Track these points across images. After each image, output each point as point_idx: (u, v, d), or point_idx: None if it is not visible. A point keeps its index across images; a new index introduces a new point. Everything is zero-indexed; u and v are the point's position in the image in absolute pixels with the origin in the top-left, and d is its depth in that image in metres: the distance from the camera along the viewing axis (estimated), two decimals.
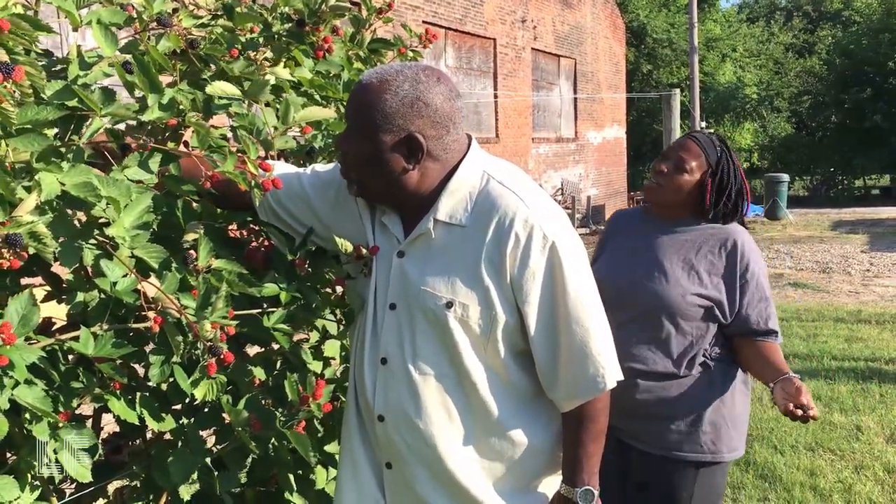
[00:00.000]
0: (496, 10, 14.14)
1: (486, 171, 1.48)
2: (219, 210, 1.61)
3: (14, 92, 1.11)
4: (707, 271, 2.09)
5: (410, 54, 2.04)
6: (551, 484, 1.56)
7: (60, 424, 1.25)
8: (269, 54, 1.70)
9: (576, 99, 17.58)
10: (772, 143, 26.86)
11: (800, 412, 1.83)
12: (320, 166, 1.64)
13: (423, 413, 1.47)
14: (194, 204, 1.52)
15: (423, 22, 11.74)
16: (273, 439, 1.52)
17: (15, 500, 1.26)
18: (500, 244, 1.42)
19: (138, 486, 1.63)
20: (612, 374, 1.49)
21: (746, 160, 27.71)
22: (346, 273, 1.54)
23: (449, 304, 1.43)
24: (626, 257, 2.18)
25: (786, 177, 17.42)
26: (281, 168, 1.61)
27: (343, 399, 1.78)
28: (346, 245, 1.48)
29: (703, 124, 17.68)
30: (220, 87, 1.50)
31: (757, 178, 20.41)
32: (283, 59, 1.73)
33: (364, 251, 1.49)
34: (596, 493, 1.50)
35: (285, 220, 1.60)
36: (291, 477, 1.72)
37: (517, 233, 1.41)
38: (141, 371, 1.50)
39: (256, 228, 1.67)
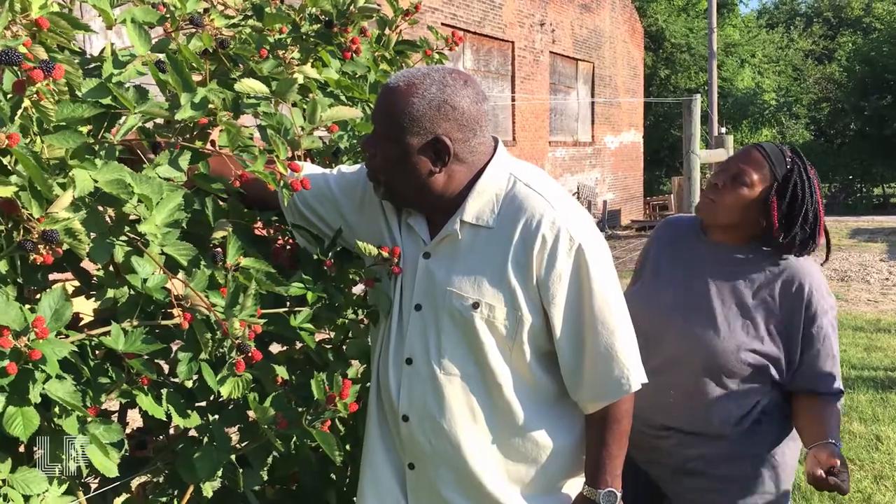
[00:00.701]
0: (515, 13, 14.14)
1: (512, 174, 1.49)
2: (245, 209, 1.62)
3: (53, 90, 1.13)
4: (764, 319, 1.77)
5: (437, 56, 2.05)
6: (574, 486, 1.56)
7: (89, 419, 1.26)
8: (296, 54, 1.71)
9: (593, 103, 17.54)
10: None
11: (821, 473, 1.60)
12: (346, 168, 1.65)
13: (447, 413, 1.47)
14: (221, 202, 1.53)
15: (442, 24, 11.76)
16: (295, 437, 1.53)
17: (43, 493, 1.27)
18: (527, 246, 1.42)
19: (161, 481, 1.64)
20: (636, 376, 1.48)
21: None
22: (374, 275, 1.55)
23: (475, 305, 1.44)
24: (671, 290, 1.86)
25: None
26: (307, 169, 1.62)
27: (365, 399, 1.79)
28: (369, 249, 1.49)
29: (723, 130, 17.59)
30: (248, 85, 1.51)
31: None
32: (311, 60, 1.74)
33: (386, 253, 1.50)
34: (619, 494, 1.50)
35: (312, 221, 1.60)
36: (313, 476, 1.73)
37: (544, 235, 1.42)
38: (163, 368, 1.52)
39: (282, 227, 1.68)
